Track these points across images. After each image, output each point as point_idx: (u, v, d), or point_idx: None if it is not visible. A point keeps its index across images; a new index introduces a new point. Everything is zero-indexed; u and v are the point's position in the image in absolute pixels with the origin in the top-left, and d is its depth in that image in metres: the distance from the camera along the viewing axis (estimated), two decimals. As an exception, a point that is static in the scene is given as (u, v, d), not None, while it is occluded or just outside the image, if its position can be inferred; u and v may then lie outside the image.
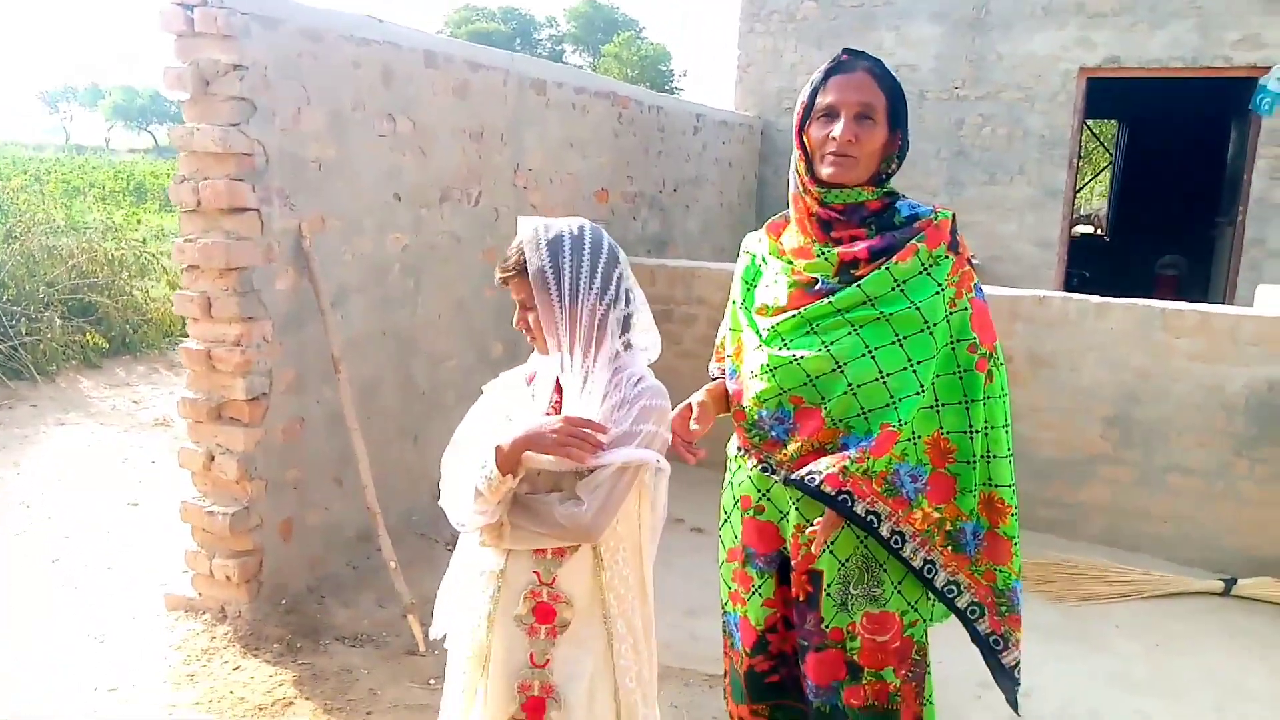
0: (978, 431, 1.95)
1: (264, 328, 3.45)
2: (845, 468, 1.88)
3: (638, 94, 6.43)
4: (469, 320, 4.65)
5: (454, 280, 4.52)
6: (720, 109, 8.35)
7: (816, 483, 1.89)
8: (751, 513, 2.12)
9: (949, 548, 1.96)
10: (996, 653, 2.02)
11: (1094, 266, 11.34)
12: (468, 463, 1.81)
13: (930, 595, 2.03)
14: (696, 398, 2.09)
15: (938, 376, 1.95)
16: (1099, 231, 18.15)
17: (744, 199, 8.66)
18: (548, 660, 1.88)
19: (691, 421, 2.04)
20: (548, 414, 1.84)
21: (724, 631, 2.29)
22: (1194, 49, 7.61)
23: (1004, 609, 2.01)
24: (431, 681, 3.23)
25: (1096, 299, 4.57)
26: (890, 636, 1.99)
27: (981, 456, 1.97)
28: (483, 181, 4.65)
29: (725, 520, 2.24)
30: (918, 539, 1.94)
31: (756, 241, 2.19)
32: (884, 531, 1.91)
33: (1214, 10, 7.48)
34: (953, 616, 2.06)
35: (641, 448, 1.79)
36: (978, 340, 1.97)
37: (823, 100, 1.95)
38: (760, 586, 2.13)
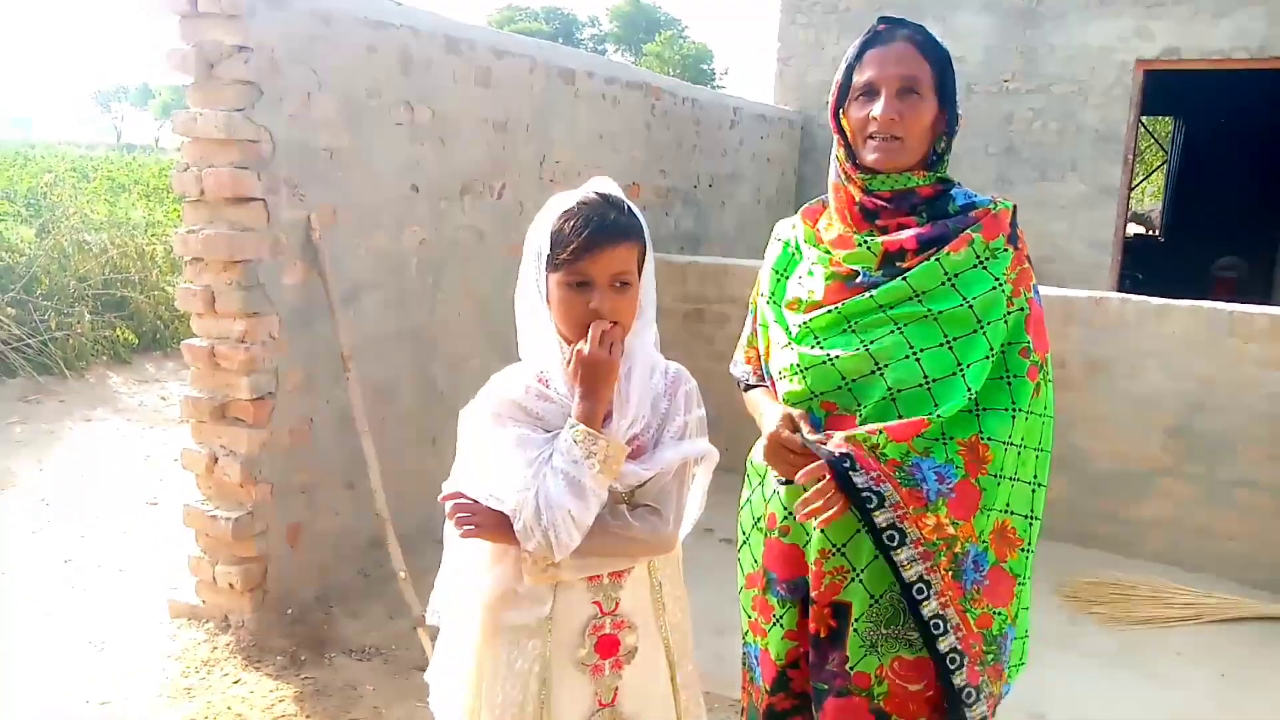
0: (1014, 445, 1.69)
1: (270, 324, 3.29)
2: (850, 435, 1.64)
3: (672, 85, 6.21)
4: (492, 319, 4.46)
5: (476, 277, 4.34)
6: (759, 103, 8.10)
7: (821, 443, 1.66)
8: (776, 533, 1.86)
9: (950, 573, 1.67)
10: (965, 706, 1.71)
11: (1147, 268, 10.92)
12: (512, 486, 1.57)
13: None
14: (785, 409, 1.77)
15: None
16: (1152, 232, 17.62)
17: (783, 196, 8.40)
18: (615, 694, 1.68)
19: (804, 432, 1.71)
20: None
21: (744, 664, 2.04)
22: (1260, 39, 7.21)
23: (990, 658, 1.71)
24: (440, 700, 3.05)
25: (1157, 301, 4.28)
26: (925, 685, 1.73)
27: (1009, 476, 1.70)
28: (507, 174, 4.46)
29: (744, 541, 1.98)
30: (920, 548, 1.64)
31: (790, 228, 1.96)
32: (880, 519, 1.62)
33: (1283, -2, 7.10)
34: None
35: (693, 437, 1.65)
36: (1031, 345, 1.72)
37: (860, 77, 1.73)
38: (782, 617, 1.87)
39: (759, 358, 1.95)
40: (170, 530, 4.31)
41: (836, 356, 1.71)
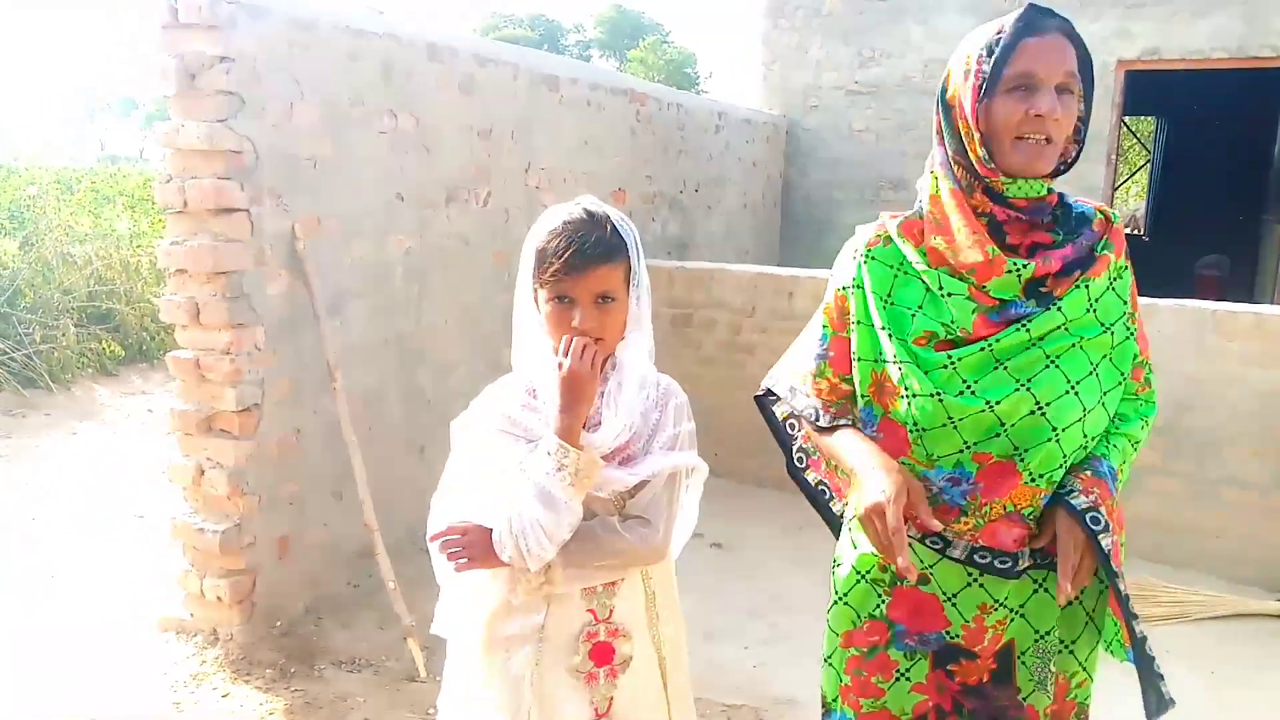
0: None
1: (255, 335, 3.27)
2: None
3: (656, 91, 6.22)
4: (478, 326, 4.46)
5: (462, 284, 4.33)
6: (743, 107, 8.12)
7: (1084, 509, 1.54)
8: (907, 582, 1.67)
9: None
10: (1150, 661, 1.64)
11: (1133, 266, 10.98)
12: (496, 503, 1.59)
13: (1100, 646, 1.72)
14: (896, 476, 1.54)
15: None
16: (1137, 231, 17.73)
17: (768, 200, 8.42)
18: (610, 703, 1.68)
19: (926, 517, 1.55)
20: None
21: None
22: (1239, 38, 7.27)
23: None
24: (431, 711, 3.03)
25: (1143, 300, 4.27)
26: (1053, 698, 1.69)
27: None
28: (492, 181, 4.46)
29: (839, 600, 1.77)
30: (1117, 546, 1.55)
31: (881, 242, 1.69)
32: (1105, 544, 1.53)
33: (1260, -3, 7.16)
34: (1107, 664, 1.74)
35: (681, 449, 1.65)
36: (1138, 351, 1.68)
37: (1015, 68, 1.50)
38: (909, 670, 1.70)
39: (833, 390, 1.73)
40: (158, 543, 4.29)
41: (997, 402, 1.53)
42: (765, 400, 1.92)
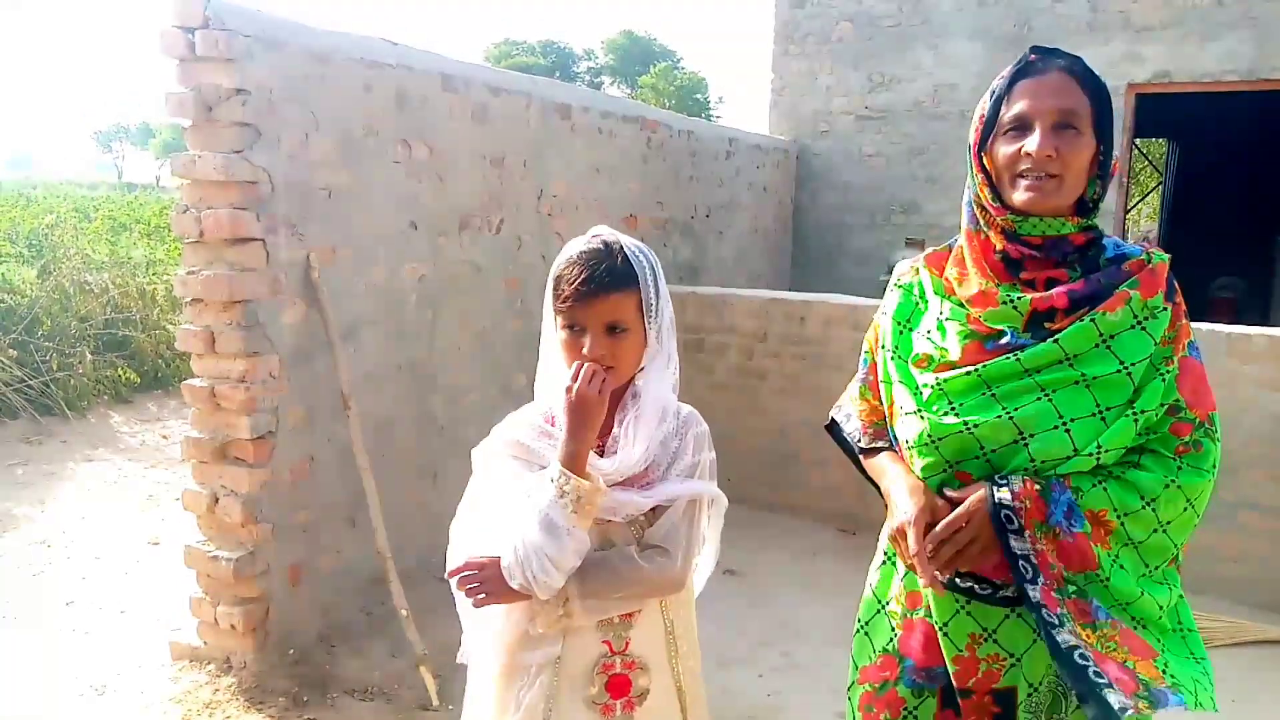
0: (1137, 518, 1.54)
1: (270, 363, 3.30)
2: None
3: (667, 118, 6.26)
4: (491, 352, 4.48)
5: (474, 311, 4.36)
6: (754, 133, 8.16)
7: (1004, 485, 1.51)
8: (922, 611, 1.66)
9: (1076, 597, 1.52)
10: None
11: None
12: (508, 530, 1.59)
13: None
14: (920, 499, 1.59)
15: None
16: (1149, 253, 17.67)
17: (780, 225, 8.45)
18: None
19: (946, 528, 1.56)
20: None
21: None
22: (1249, 61, 7.28)
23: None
24: (443, 739, 3.03)
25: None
26: None
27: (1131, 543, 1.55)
28: (504, 208, 4.49)
29: (861, 629, 1.78)
30: (1051, 589, 1.47)
31: (912, 273, 1.79)
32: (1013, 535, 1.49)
33: (1270, 20, 7.16)
34: None
35: (701, 479, 1.66)
36: (1185, 403, 1.56)
37: (1010, 110, 1.56)
38: (917, 708, 1.67)
39: (873, 412, 1.81)
40: (172, 571, 4.30)
41: (975, 425, 1.55)
42: (834, 429, 1.93)
